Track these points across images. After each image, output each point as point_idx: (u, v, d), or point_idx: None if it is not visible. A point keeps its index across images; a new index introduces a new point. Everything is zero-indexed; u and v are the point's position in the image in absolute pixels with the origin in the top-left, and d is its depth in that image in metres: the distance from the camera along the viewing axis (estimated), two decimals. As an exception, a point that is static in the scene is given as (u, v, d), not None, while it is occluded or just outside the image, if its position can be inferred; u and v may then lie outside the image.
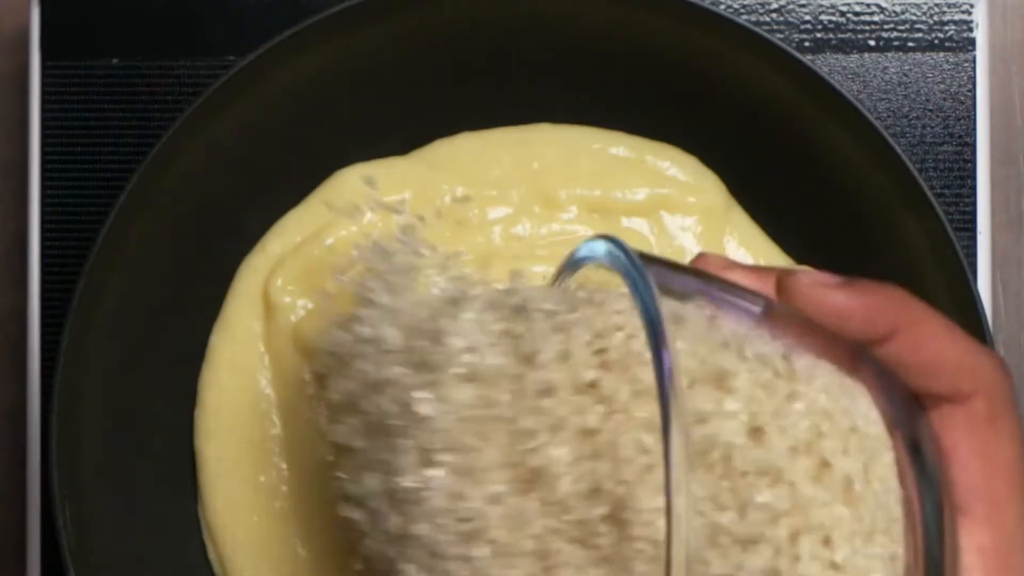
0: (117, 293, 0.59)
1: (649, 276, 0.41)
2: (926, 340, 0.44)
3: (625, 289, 0.41)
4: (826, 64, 0.65)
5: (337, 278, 0.50)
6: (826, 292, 0.45)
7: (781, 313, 0.46)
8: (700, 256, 0.48)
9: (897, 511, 0.44)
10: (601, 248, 0.44)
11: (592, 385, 0.43)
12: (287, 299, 0.61)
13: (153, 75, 0.64)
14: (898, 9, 0.65)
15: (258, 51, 0.58)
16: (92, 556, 0.58)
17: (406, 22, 0.59)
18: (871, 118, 0.58)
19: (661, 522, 0.40)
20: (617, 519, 0.43)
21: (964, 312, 0.57)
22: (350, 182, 0.61)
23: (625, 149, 0.63)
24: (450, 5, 0.59)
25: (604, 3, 0.59)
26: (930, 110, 0.65)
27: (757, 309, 0.45)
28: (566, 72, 0.62)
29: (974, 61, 0.65)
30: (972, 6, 0.65)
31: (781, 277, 0.46)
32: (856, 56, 0.65)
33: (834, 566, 0.43)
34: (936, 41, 0.65)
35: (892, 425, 0.45)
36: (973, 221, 0.64)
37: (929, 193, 0.58)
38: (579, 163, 0.62)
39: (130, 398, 0.61)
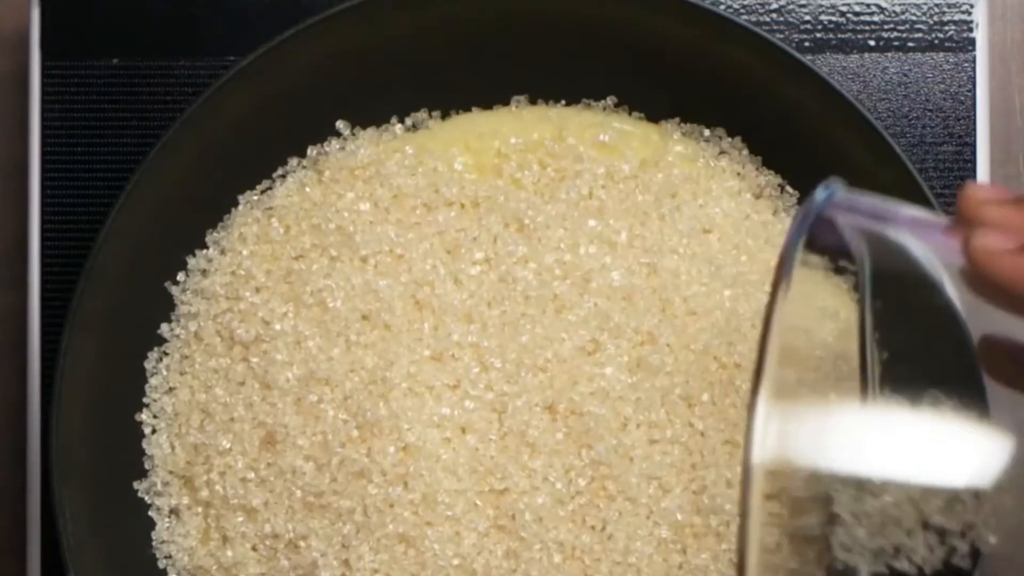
0: (117, 293, 0.59)
1: (803, 219, 0.44)
2: None
3: None
4: (826, 64, 0.65)
5: None
6: (1004, 258, 0.43)
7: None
8: (961, 186, 0.46)
9: None
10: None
11: None
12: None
13: (153, 75, 0.64)
14: (898, 9, 0.65)
15: (258, 51, 0.58)
16: (92, 556, 0.58)
17: (405, 20, 0.59)
18: (871, 118, 0.58)
19: None
20: None
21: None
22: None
23: (622, 123, 0.63)
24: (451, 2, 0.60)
25: (608, 2, 0.59)
26: (930, 110, 0.65)
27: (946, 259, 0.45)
28: (573, 66, 0.62)
29: (974, 61, 0.65)
30: (972, 6, 0.65)
31: (964, 241, 0.44)
32: (856, 56, 0.65)
33: None
34: (936, 41, 0.65)
35: None
36: (973, 221, 0.64)
37: (929, 193, 0.58)
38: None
39: (131, 397, 0.61)
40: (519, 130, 0.63)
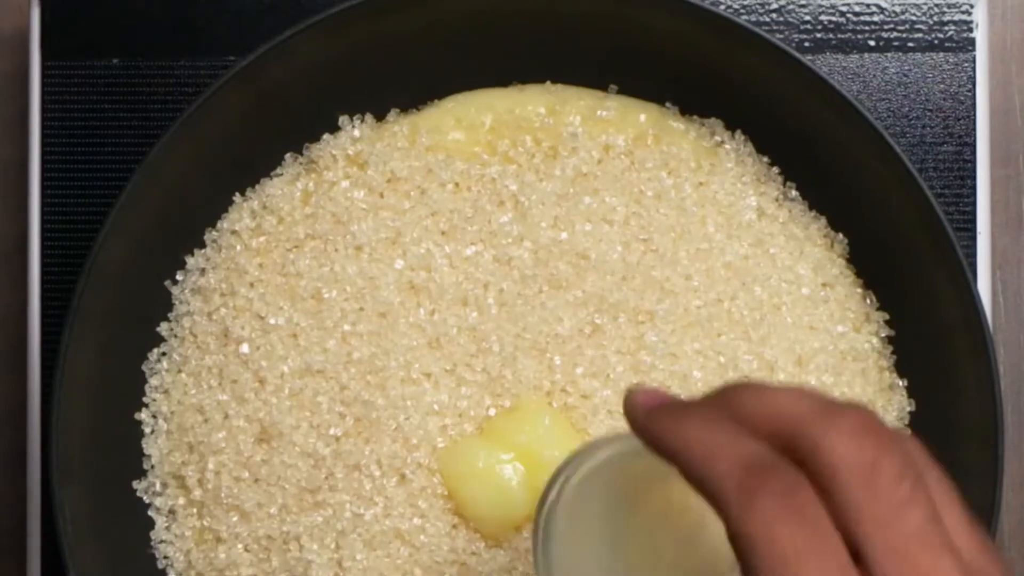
0: (117, 293, 0.59)
1: None
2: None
3: None
4: (826, 64, 0.65)
5: None
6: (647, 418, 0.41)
7: None
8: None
9: None
10: None
11: None
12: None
13: (153, 75, 0.64)
14: (898, 9, 0.65)
15: (258, 51, 0.58)
16: (92, 556, 0.58)
17: (405, 17, 0.59)
18: (871, 118, 0.58)
19: None
20: None
21: (964, 312, 0.57)
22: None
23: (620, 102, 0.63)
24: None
25: (610, 2, 0.59)
26: (930, 110, 0.65)
27: None
28: (571, 65, 0.62)
29: (974, 61, 0.65)
30: (972, 6, 0.65)
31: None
32: (856, 56, 0.65)
33: None
34: (936, 41, 0.65)
35: None
36: (973, 221, 0.64)
37: (929, 193, 0.58)
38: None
39: (131, 397, 0.61)
40: (512, 105, 0.62)
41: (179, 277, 0.61)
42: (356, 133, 0.62)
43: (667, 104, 0.62)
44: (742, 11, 0.65)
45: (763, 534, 0.36)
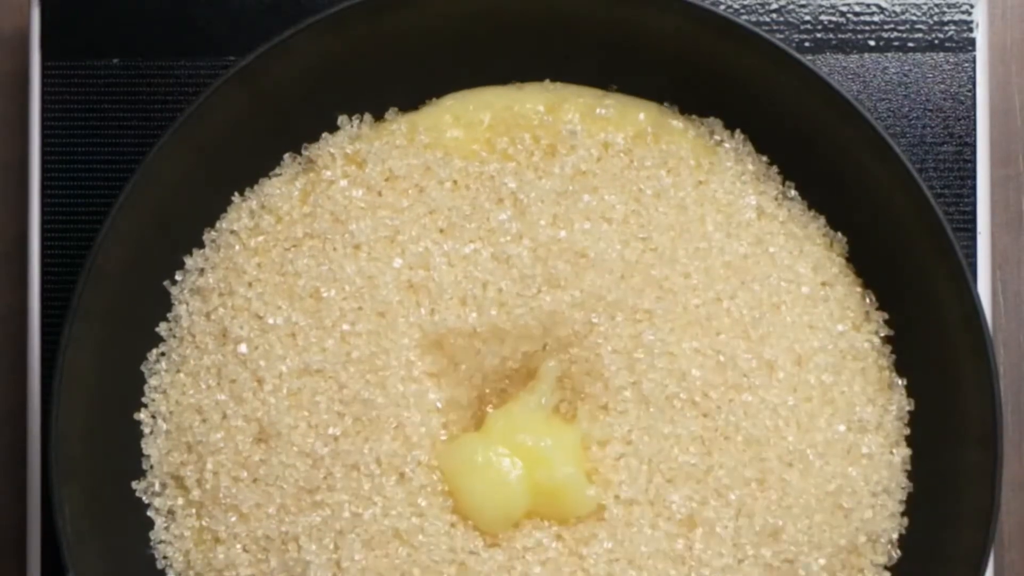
0: (117, 293, 0.59)
1: None
2: None
3: None
4: (826, 64, 0.65)
5: None
6: None
7: None
8: None
9: None
10: None
11: None
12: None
13: (153, 75, 0.65)
14: (898, 9, 0.65)
15: (258, 51, 0.58)
16: (91, 556, 0.58)
17: (405, 17, 0.60)
18: (871, 118, 0.58)
19: None
20: None
21: (964, 312, 0.57)
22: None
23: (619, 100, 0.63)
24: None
25: (613, 3, 0.59)
26: (930, 110, 0.65)
27: None
28: (584, 66, 0.62)
29: (974, 61, 0.65)
30: (972, 6, 0.65)
31: None
32: (856, 56, 0.65)
33: None
34: (936, 41, 0.65)
35: None
36: (973, 221, 0.64)
37: (928, 193, 0.58)
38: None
39: (130, 397, 0.61)
40: (511, 103, 0.62)
41: (178, 277, 0.61)
42: (355, 131, 0.62)
43: (666, 103, 0.62)
44: (742, 11, 0.65)
45: None
